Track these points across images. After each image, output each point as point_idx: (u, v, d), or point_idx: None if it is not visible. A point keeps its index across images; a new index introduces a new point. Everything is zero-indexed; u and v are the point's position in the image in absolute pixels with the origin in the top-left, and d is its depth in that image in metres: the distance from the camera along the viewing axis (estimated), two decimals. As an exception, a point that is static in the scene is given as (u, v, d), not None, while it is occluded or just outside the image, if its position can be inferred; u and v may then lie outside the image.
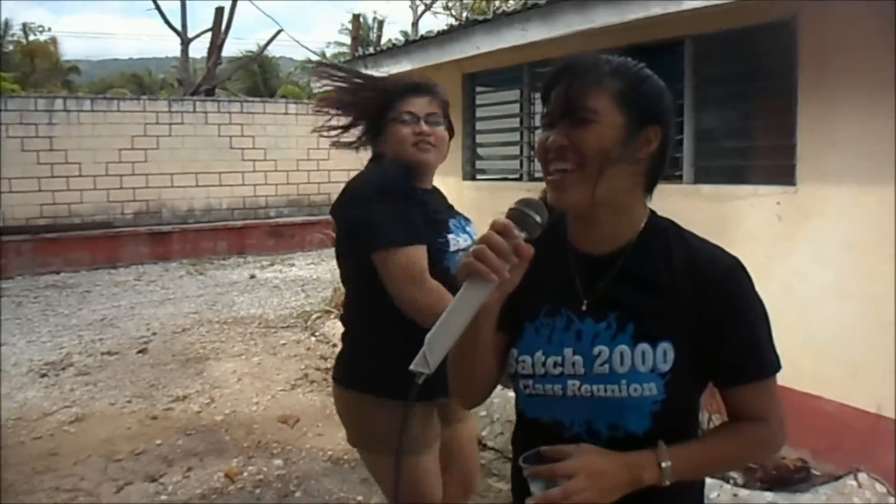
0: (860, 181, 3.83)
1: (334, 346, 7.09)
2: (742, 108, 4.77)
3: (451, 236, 2.33)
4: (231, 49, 33.52)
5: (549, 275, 1.37)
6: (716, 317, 1.30)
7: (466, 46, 5.85)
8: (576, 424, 1.35)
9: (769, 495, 3.58)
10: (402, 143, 2.35)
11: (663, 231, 1.38)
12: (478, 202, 6.07)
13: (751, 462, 1.34)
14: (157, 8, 18.72)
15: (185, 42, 19.17)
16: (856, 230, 3.84)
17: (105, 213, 13.21)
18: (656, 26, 4.55)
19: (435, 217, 2.35)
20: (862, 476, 3.71)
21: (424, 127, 2.35)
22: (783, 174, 4.17)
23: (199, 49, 21.48)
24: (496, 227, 1.21)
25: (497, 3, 24.65)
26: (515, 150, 6.50)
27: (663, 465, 1.26)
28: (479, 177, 6.97)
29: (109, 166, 13.21)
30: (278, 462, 4.52)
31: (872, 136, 3.77)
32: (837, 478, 3.77)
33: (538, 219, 1.24)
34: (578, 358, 1.33)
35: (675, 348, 1.29)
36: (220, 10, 18.15)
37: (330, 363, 6.48)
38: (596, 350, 1.32)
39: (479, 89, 6.96)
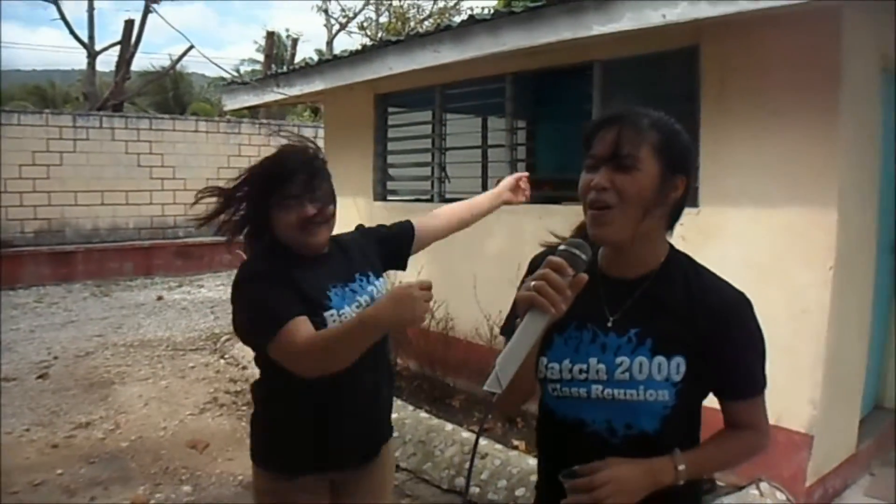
0: (756, 203, 4.00)
1: (244, 368, 6.96)
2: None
3: (327, 314, 2.17)
4: (141, 63, 32.77)
5: (579, 294, 1.48)
6: (722, 341, 1.53)
7: (379, 67, 5.86)
8: (597, 422, 1.57)
9: (676, 508, 3.67)
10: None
11: (681, 263, 1.63)
12: (388, 223, 6.06)
13: (742, 462, 1.73)
14: (63, 18, 18.09)
15: (92, 55, 18.57)
16: (752, 251, 4.00)
17: (4, 232, 12.63)
18: (566, 50, 4.66)
19: (309, 295, 2.18)
20: (763, 485, 3.85)
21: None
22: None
23: (106, 63, 20.90)
24: (552, 266, 1.41)
25: (412, 25, 24.82)
26: (427, 171, 6.53)
27: (679, 468, 1.50)
28: (389, 197, 6.98)
29: (8, 183, 12.66)
30: (187, 488, 4.40)
31: (768, 160, 3.95)
32: (741, 488, 3.90)
33: (584, 258, 1.44)
34: (602, 366, 1.56)
35: (686, 363, 1.52)
36: (129, 23, 17.68)
37: (240, 386, 6.38)
38: (618, 360, 1.55)
39: (391, 110, 6.98)
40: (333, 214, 2.29)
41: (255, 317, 2.11)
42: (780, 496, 3.84)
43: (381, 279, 2.43)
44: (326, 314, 2.16)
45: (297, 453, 2.26)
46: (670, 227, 1.63)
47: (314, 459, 2.27)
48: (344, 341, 1.94)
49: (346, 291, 2.27)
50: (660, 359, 1.52)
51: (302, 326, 2.03)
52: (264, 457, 2.36)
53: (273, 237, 2.24)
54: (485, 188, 6.85)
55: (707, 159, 4.20)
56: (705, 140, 4.20)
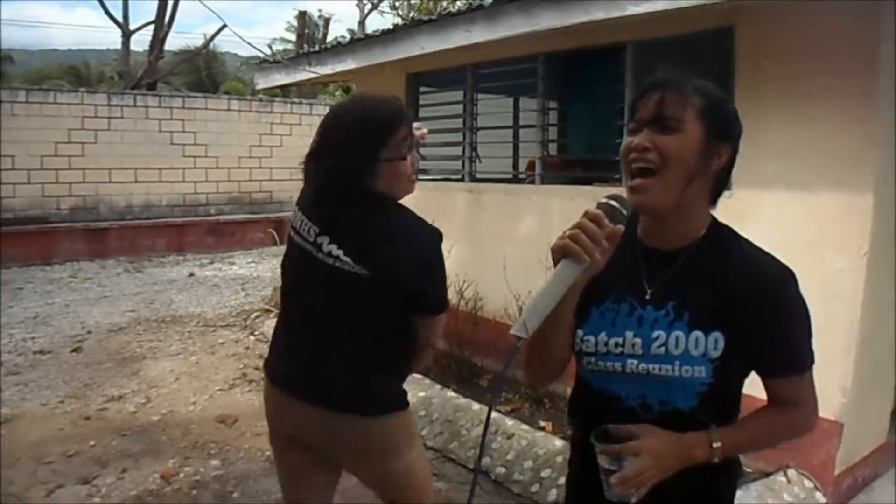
0: (790, 187, 3.95)
1: (274, 345, 7.01)
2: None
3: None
4: (174, 43, 32.95)
5: (617, 266, 1.49)
6: (764, 316, 1.46)
7: (411, 46, 5.84)
8: (631, 397, 1.53)
9: (702, 493, 3.66)
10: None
11: (723, 235, 1.56)
12: (420, 202, 6.06)
13: (787, 440, 1.62)
14: (98, -2, 18.27)
15: (127, 34, 18.72)
16: (785, 234, 3.94)
17: (39, 208, 12.83)
18: (599, 31, 4.61)
19: None
20: (791, 472, 3.82)
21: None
22: (720, 179, 4.26)
23: (140, 42, 21.06)
24: (589, 216, 1.38)
25: (444, 4, 24.68)
26: (458, 150, 6.51)
27: (715, 444, 1.46)
28: (420, 177, 6.92)
29: (45, 160, 12.83)
30: (216, 462, 4.46)
31: (803, 143, 3.89)
32: (768, 474, 3.88)
33: (624, 211, 1.41)
34: (638, 340, 1.51)
35: (725, 338, 1.46)
36: (163, 3, 17.79)
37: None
38: (655, 334, 1.50)
39: (422, 89, 6.96)
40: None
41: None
42: (808, 484, 3.80)
43: None
44: None
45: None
46: (714, 199, 1.58)
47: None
48: None
49: None
50: (697, 334, 1.46)
51: None
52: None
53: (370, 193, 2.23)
54: (516, 168, 6.84)
55: (742, 142, 4.14)
56: (739, 122, 4.14)
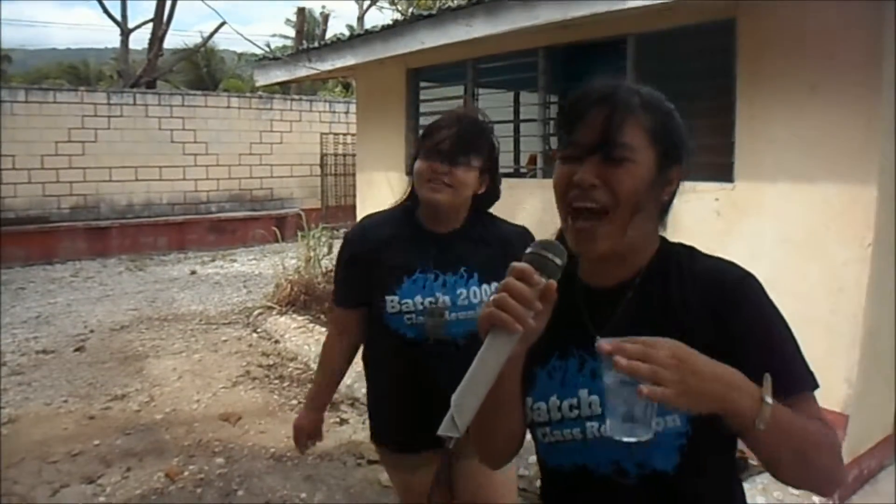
0: (793, 179, 3.93)
1: (276, 342, 7.02)
2: (682, 106, 4.77)
3: (390, 298, 2.20)
4: (173, 41, 32.89)
5: (556, 314, 1.20)
6: (734, 333, 1.20)
7: (411, 41, 5.83)
8: (602, 466, 1.27)
9: (708, 486, 3.66)
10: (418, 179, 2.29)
11: (675, 256, 1.31)
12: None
13: (826, 465, 1.20)
14: (96, -3, 18.24)
15: (126, 33, 18.71)
16: (788, 227, 3.94)
17: (40, 208, 12.84)
18: (600, 24, 4.60)
19: (389, 275, 2.23)
20: (797, 466, 3.81)
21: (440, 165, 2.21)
22: (722, 171, 4.25)
23: (139, 41, 21.02)
24: (515, 273, 1.12)
25: (443, -1, 24.66)
26: (460, 145, 6.49)
27: (767, 399, 1.08)
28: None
29: (45, 159, 12.85)
30: (220, 461, 4.45)
31: (805, 136, 3.87)
32: (773, 468, 3.86)
33: (558, 262, 1.15)
34: (595, 398, 1.26)
35: None
36: (161, 1, 17.77)
37: (272, 360, 6.43)
38: None
39: (423, 84, 6.95)
40: (463, 182, 2.22)
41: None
42: (814, 475, 3.79)
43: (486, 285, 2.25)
44: (389, 298, 2.22)
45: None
46: (662, 221, 1.33)
47: None
48: None
49: (430, 277, 2.24)
50: None
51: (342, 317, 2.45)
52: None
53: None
54: (517, 162, 6.83)
55: (743, 135, 4.14)
56: (741, 115, 4.14)
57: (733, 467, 1.33)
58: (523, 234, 2.28)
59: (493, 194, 2.34)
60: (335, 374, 2.52)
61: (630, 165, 1.19)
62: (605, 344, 1.05)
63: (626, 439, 1.09)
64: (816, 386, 1.24)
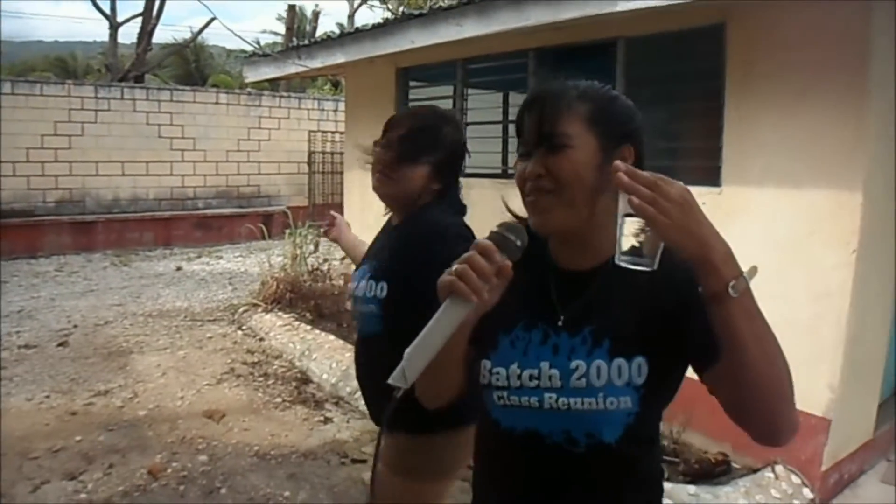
0: (780, 183, 3.96)
1: (261, 340, 7.00)
2: (671, 109, 4.86)
3: (349, 285, 2.35)
4: (162, 36, 32.74)
5: (526, 289, 1.39)
6: (684, 307, 1.28)
7: (401, 40, 5.83)
8: (554, 434, 1.36)
9: (692, 488, 3.67)
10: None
11: None
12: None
13: (784, 395, 1.26)
14: (84, -10, 18.11)
15: (114, 26, 18.57)
16: (775, 231, 3.96)
17: (25, 201, 12.74)
18: (590, 26, 4.61)
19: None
20: (779, 468, 3.84)
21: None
22: (709, 175, 4.27)
23: (128, 35, 20.88)
24: (479, 249, 1.24)
25: (433, -1, 24.64)
26: (448, 145, 6.49)
27: (745, 273, 1.17)
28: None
29: (31, 152, 12.75)
30: (203, 458, 4.43)
31: (793, 140, 3.90)
32: (756, 470, 3.89)
33: (518, 242, 1.29)
34: (555, 371, 1.36)
35: (648, 362, 1.32)
36: (150, -5, 17.69)
37: (257, 357, 6.41)
38: (573, 364, 1.34)
39: (412, 83, 6.95)
40: (396, 172, 2.24)
41: None
42: (796, 480, 3.82)
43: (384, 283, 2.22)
44: (349, 285, 2.33)
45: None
46: None
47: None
48: None
49: (364, 267, 2.33)
50: (619, 361, 1.32)
51: None
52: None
53: None
54: (505, 163, 6.82)
55: (731, 139, 4.16)
56: (730, 119, 4.16)
57: (657, 439, 1.47)
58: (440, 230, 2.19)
59: (444, 193, 2.27)
60: None
61: (569, 151, 1.32)
62: (621, 169, 1.14)
63: (630, 267, 1.18)
64: None
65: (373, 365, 2.21)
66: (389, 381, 1.24)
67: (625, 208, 1.16)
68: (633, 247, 1.18)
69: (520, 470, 1.41)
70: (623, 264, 1.19)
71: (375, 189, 2.30)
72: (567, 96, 1.35)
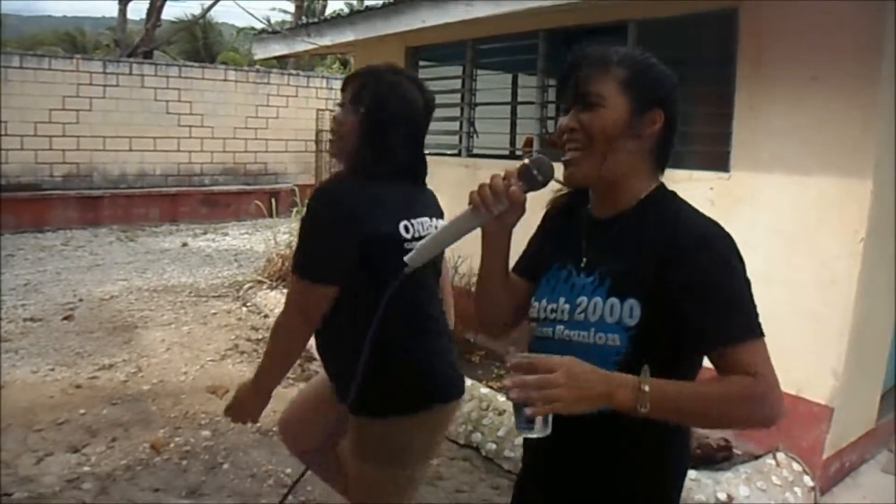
0: (789, 171, 3.93)
1: (265, 316, 7.01)
2: (681, 93, 4.82)
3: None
4: (171, 12, 32.61)
5: (567, 235, 1.60)
6: (685, 281, 1.38)
7: (411, 19, 5.79)
8: None
9: (693, 473, 3.67)
10: None
11: (662, 202, 1.52)
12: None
13: (743, 417, 1.37)
14: (94, -36, 18.07)
15: (124, 2, 18.56)
16: (782, 218, 3.94)
17: (32, 175, 12.74)
18: (601, 9, 4.59)
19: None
20: (780, 455, 3.84)
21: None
22: (718, 160, 4.25)
23: (137, 10, 20.82)
24: (505, 174, 1.48)
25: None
26: (455, 125, 6.48)
27: (644, 387, 1.30)
28: (418, 151, 6.93)
29: (39, 126, 12.72)
30: (206, 433, 4.45)
31: (803, 127, 3.87)
32: (757, 457, 3.89)
33: (539, 177, 1.48)
34: (567, 306, 1.52)
35: (641, 306, 1.41)
36: (160, -30, 17.62)
37: (261, 334, 6.42)
38: (579, 300, 1.50)
39: (422, 63, 6.92)
40: (340, 122, 2.27)
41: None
42: (797, 467, 3.82)
43: None
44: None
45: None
46: (659, 165, 1.56)
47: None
48: None
49: None
50: (613, 300, 1.44)
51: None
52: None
53: None
54: (513, 145, 6.80)
55: (741, 124, 4.13)
56: (740, 105, 4.13)
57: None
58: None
59: (367, 152, 2.19)
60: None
61: (601, 110, 1.46)
62: (509, 381, 1.30)
63: (528, 435, 1.34)
64: (758, 335, 1.38)
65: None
66: (405, 258, 1.52)
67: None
68: (526, 419, 1.32)
69: None
70: (521, 434, 1.36)
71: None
72: (606, 60, 1.50)
